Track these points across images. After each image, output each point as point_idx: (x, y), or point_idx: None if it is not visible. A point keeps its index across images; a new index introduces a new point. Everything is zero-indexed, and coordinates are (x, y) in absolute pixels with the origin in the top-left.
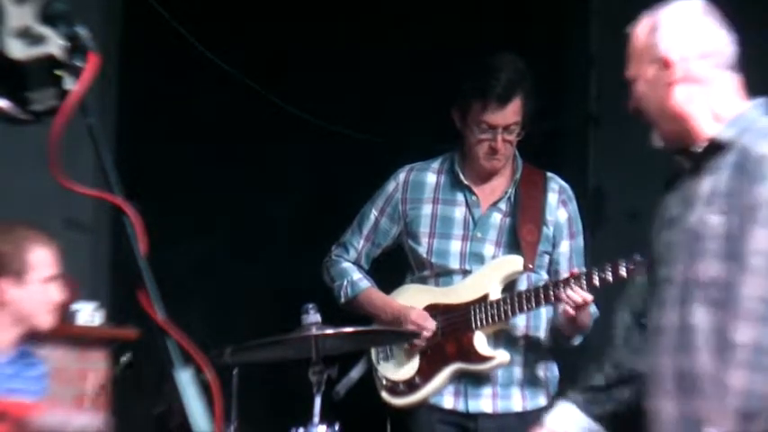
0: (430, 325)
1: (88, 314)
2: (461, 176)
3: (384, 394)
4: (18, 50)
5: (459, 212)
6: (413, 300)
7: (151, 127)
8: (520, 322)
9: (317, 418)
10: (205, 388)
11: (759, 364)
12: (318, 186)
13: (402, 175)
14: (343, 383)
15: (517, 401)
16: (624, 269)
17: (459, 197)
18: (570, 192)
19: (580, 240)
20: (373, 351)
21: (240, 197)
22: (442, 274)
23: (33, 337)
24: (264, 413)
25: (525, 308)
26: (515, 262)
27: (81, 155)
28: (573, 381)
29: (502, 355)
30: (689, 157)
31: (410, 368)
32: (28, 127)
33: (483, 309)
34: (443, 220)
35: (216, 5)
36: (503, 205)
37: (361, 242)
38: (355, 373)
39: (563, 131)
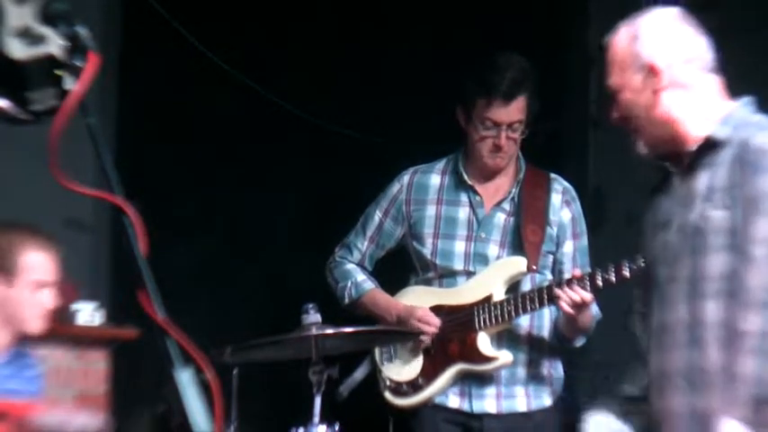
0: (435, 321)
1: (88, 314)
2: (465, 176)
3: (387, 395)
4: (18, 50)
5: (463, 213)
6: (417, 301)
7: (151, 127)
8: (523, 323)
9: (317, 418)
10: (205, 388)
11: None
12: (318, 186)
13: (406, 177)
14: (347, 384)
15: (521, 401)
16: (627, 270)
17: (463, 197)
18: (573, 192)
19: (584, 240)
20: (377, 352)
21: (240, 197)
22: (446, 276)
23: (31, 338)
24: (264, 413)
25: (529, 308)
26: (519, 263)
27: (81, 155)
28: (577, 382)
29: (505, 356)
30: (676, 161)
31: (413, 369)
32: (28, 127)
33: (487, 309)
34: (447, 220)
35: (216, 5)
36: (506, 205)
37: (365, 244)
38: (359, 373)
39: (563, 132)
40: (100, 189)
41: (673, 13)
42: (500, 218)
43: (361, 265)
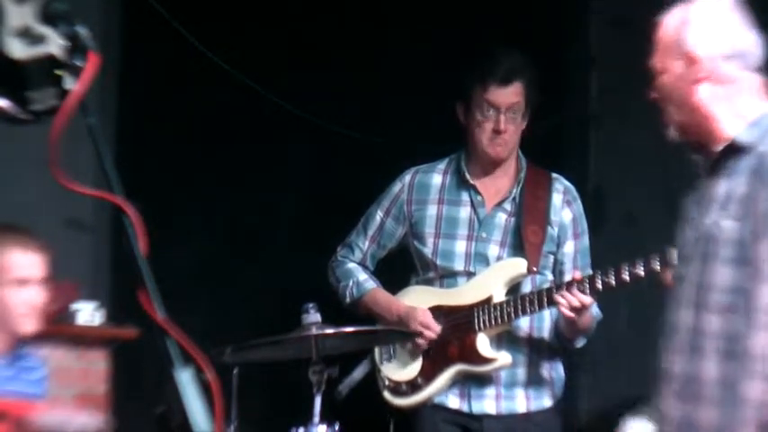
0: (435, 328)
1: (88, 314)
2: (467, 175)
3: (386, 394)
4: (18, 50)
5: (465, 212)
6: (417, 301)
7: (151, 127)
8: (523, 324)
9: (317, 418)
10: (205, 388)
11: None
12: (318, 186)
13: (408, 177)
14: (346, 383)
15: (521, 402)
16: (627, 274)
17: (465, 197)
18: (575, 192)
19: (585, 240)
20: (376, 351)
21: (240, 197)
22: (447, 276)
23: (30, 338)
24: (264, 413)
25: (528, 310)
26: (519, 265)
27: (81, 155)
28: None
29: (504, 357)
30: (706, 155)
31: (413, 369)
32: (28, 127)
33: (486, 310)
34: (448, 220)
35: (216, 5)
36: (507, 205)
37: (367, 243)
38: (358, 373)
39: (563, 131)
40: (100, 189)
41: (728, 4)
42: (501, 218)
43: (362, 264)
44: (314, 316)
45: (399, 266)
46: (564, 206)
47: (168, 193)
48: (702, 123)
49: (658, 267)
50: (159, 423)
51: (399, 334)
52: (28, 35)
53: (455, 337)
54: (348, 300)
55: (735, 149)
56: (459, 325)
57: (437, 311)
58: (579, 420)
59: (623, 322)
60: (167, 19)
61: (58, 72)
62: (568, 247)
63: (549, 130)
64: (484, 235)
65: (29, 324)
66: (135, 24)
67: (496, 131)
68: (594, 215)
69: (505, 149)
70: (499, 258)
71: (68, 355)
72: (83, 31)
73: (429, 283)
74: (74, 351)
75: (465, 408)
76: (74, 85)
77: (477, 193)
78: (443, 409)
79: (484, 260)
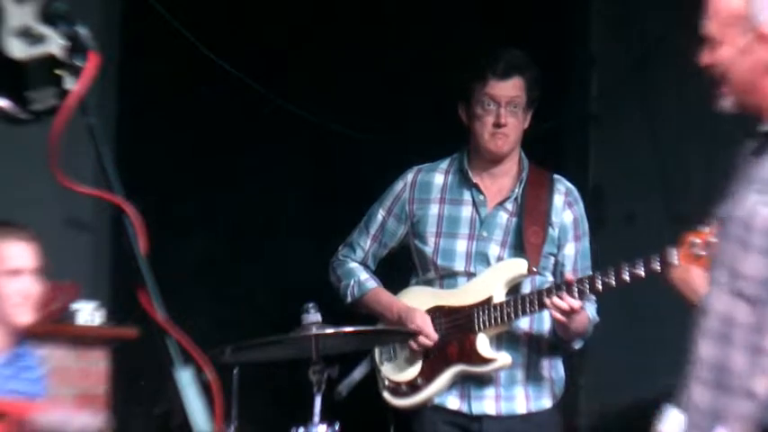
0: (432, 334)
1: (88, 314)
2: (470, 174)
3: (386, 395)
4: (18, 50)
5: (466, 211)
6: (417, 301)
7: (151, 127)
8: (523, 324)
9: (317, 418)
10: (205, 387)
11: None
12: (318, 186)
13: (410, 176)
14: (346, 383)
15: (521, 403)
16: (627, 275)
17: (467, 196)
18: (576, 193)
19: (586, 243)
20: (376, 351)
21: (240, 196)
22: (447, 276)
23: (30, 337)
24: (264, 413)
25: (528, 311)
26: (520, 265)
27: (81, 155)
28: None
29: (504, 358)
30: (757, 134)
31: (413, 369)
32: (28, 127)
33: (486, 311)
34: (450, 219)
35: (216, 5)
36: (509, 205)
37: (369, 242)
38: (358, 373)
39: (563, 131)
40: (100, 189)
41: None
42: (502, 217)
43: (364, 263)
44: (314, 316)
45: (399, 268)
46: (565, 207)
47: (168, 193)
48: (761, 103)
49: (659, 268)
50: (159, 423)
51: (400, 334)
52: (28, 35)
53: (455, 337)
54: (349, 299)
55: None
56: (458, 325)
57: (437, 312)
58: (579, 421)
59: (623, 322)
60: (167, 19)
61: (57, 72)
62: (569, 249)
63: (549, 130)
64: (485, 234)
65: (23, 314)
66: (135, 24)
67: (497, 125)
68: (594, 215)
69: (506, 143)
70: (499, 258)
71: (68, 354)
72: (83, 30)
73: (429, 283)
74: (74, 351)
75: (464, 408)
76: (74, 85)
77: (480, 192)
78: (443, 410)
79: (484, 260)
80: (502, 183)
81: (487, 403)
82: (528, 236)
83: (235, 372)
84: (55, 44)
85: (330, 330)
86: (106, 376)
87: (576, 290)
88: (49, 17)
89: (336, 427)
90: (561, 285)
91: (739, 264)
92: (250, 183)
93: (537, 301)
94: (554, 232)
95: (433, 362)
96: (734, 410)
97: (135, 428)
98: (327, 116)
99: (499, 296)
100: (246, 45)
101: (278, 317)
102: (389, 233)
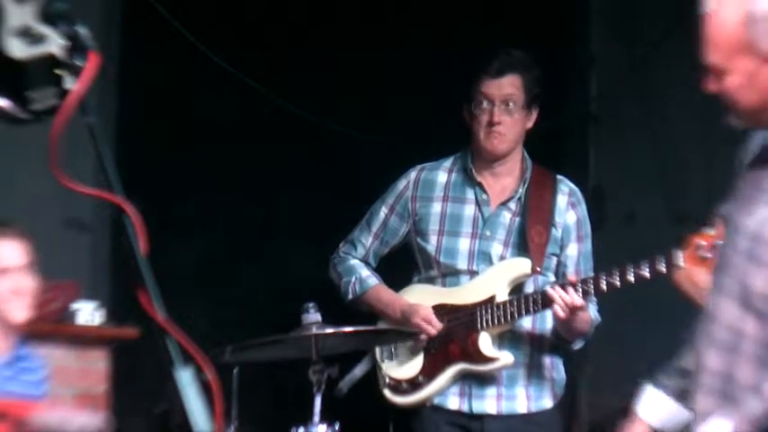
0: (437, 325)
1: (88, 314)
2: (474, 172)
3: (387, 392)
4: (18, 50)
5: (469, 210)
6: (419, 300)
7: (151, 127)
8: (526, 324)
9: (317, 418)
10: (205, 387)
11: None
12: (318, 186)
13: (413, 174)
14: (346, 381)
15: (522, 403)
16: (632, 275)
17: (470, 194)
18: (579, 194)
19: (588, 244)
20: (377, 349)
21: (240, 197)
22: (450, 275)
23: (31, 338)
24: (264, 413)
25: (531, 310)
26: (523, 264)
27: (81, 155)
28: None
29: (506, 357)
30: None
31: (414, 367)
32: (28, 127)
33: (489, 310)
34: (453, 217)
35: (216, 5)
36: (513, 205)
37: (370, 239)
38: (359, 370)
39: (563, 131)
40: (100, 189)
41: None
42: (506, 217)
43: (365, 261)
44: (314, 315)
45: (400, 266)
46: (569, 208)
47: (168, 193)
48: None
49: (664, 269)
50: (159, 423)
51: (400, 333)
52: (28, 35)
53: (457, 335)
54: (350, 296)
55: None
56: (461, 324)
57: (439, 310)
58: (580, 421)
59: (623, 323)
60: (167, 19)
61: (57, 72)
62: (572, 250)
63: (548, 130)
64: (488, 233)
65: (17, 310)
66: (135, 24)
67: (490, 123)
68: (594, 215)
69: (502, 143)
70: (502, 258)
71: (68, 354)
72: (83, 30)
73: (431, 281)
74: (74, 351)
75: (465, 408)
76: (74, 85)
77: (483, 191)
78: (443, 410)
79: (487, 258)
80: (504, 182)
81: (488, 402)
82: (531, 235)
83: (235, 372)
84: (55, 44)
85: (330, 330)
86: (106, 376)
87: (581, 290)
88: (49, 17)
89: (336, 427)
90: (565, 285)
91: (750, 278)
92: (250, 183)
93: (540, 300)
94: (557, 232)
95: (435, 360)
96: (740, 408)
97: (135, 428)
98: (327, 116)
99: (502, 295)
100: (246, 45)
101: (278, 317)
102: (391, 231)
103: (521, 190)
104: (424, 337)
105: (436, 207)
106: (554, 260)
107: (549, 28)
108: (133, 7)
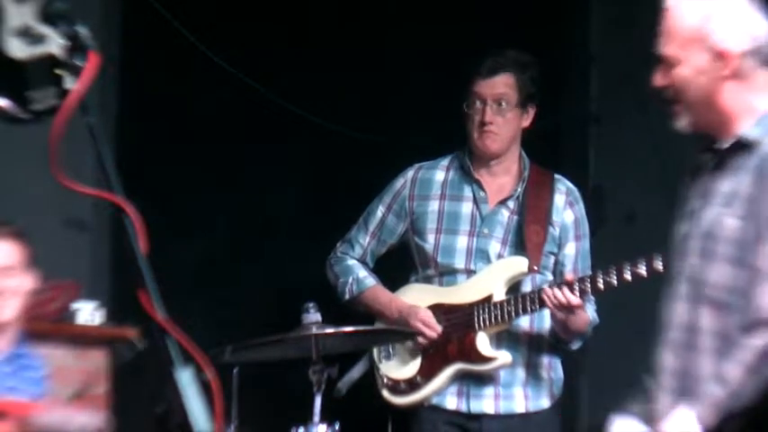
0: (437, 328)
1: (88, 313)
2: (472, 170)
3: (385, 393)
4: (18, 50)
5: (467, 207)
6: (416, 299)
7: (151, 127)
8: (523, 323)
9: (317, 418)
10: (205, 387)
11: (758, 369)
12: (318, 186)
13: (410, 173)
14: (345, 381)
15: (520, 402)
16: (629, 273)
17: (467, 192)
18: (577, 194)
19: (586, 243)
20: (375, 349)
21: (240, 197)
22: (447, 274)
23: (31, 337)
24: (264, 413)
25: (529, 309)
26: (521, 263)
27: (81, 155)
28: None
29: (504, 356)
30: (713, 150)
31: (412, 367)
32: (28, 126)
33: (486, 309)
34: (450, 215)
35: (216, 5)
36: (511, 203)
37: (367, 239)
38: (357, 371)
39: (563, 130)
40: (100, 189)
41: None
42: (503, 215)
43: (362, 261)
44: (314, 315)
45: (398, 265)
46: (566, 207)
47: (168, 193)
48: (718, 120)
49: (661, 267)
50: (159, 423)
51: (399, 333)
52: (28, 35)
53: (455, 335)
54: (347, 296)
55: (741, 146)
56: (458, 323)
57: (437, 310)
58: (578, 421)
59: (623, 323)
60: (167, 19)
61: (58, 72)
62: (569, 249)
63: (549, 130)
64: (486, 231)
65: (4, 309)
66: (135, 24)
67: (482, 123)
68: (594, 215)
69: (494, 142)
70: (500, 256)
71: (68, 354)
72: (83, 30)
73: (428, 280)
74: (73, 351)
75: (463, 407)
76: (74, 85)
77: (481, 188)
78: (441, 409)
79: (485, 257)
80: (502, 181)
81: (486, 402)
82: (529, 234)
83: (235, 372)
84: (55, 44)
85: (330, 330)
86: (106, 376)
87: (578, 288)
88: (49, 17)
89: (336, 427)
90: (562, 284)
91: (703, 273)
92: (250, 183)
93: (537, 299)
94: (555, 231)
95: (433, 360)
96: (701, 397)
97: (135, 428)
98: (327, 116)
99: (499, 294)
100: (246, 45)
101: (278, 317)
102: (388, 230)
103: (519, 189)
104: (422, 339)
105: (434, 205)
106: (552, 259)
107: (549, 28)
108: (133, 7)
